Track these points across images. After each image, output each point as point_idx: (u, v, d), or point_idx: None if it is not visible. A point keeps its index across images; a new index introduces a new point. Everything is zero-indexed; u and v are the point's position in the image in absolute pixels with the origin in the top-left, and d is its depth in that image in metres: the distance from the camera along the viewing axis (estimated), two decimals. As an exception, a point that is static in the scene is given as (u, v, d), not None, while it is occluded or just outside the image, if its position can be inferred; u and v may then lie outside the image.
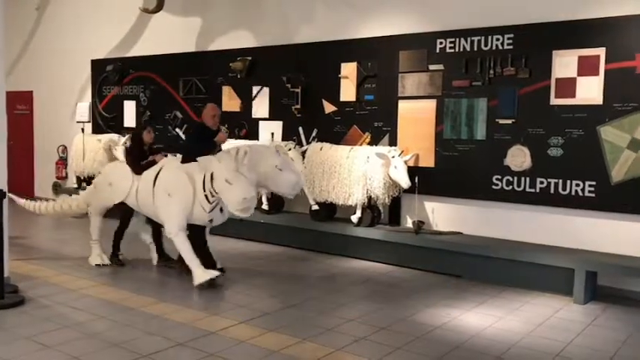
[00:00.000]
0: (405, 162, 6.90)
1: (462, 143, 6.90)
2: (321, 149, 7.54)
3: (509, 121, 6.53)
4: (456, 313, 5.38)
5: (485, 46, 6.70)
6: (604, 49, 5.95)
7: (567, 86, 6.20)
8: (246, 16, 8.86)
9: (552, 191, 6.32)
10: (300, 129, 8.26)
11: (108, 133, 10.39)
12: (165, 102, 9.78)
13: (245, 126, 8.85)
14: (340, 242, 7.37)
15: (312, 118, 8.12)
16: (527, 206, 6.51)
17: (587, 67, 6.06)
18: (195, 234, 6.16)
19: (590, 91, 6.05)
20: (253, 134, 8.75)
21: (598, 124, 6.02)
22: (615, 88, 5.91)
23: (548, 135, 6.32)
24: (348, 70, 7.76)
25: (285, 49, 8.35)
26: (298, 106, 8.20)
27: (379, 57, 7.50)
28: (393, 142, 7.35)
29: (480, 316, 5.30)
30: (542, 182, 6.38)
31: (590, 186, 6.09)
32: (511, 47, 6.52)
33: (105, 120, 10.80)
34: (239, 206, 5.73)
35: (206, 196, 5.96)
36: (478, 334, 4.87)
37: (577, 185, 6.18)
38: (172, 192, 6.09)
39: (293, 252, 6.09)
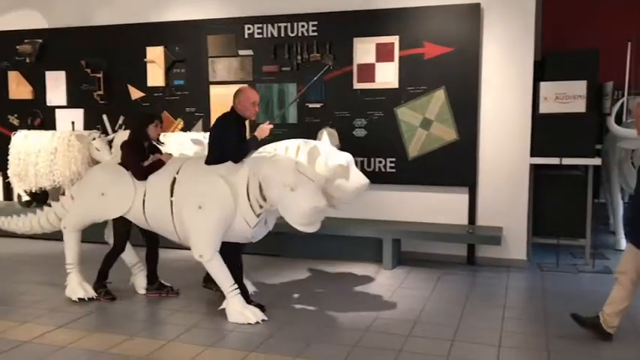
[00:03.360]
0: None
1: (276, 127, 7.04)
2: (130, 137, 7.18)
3: (318, 105, 6.87)
4: (283, 290, 5.57)
5: (292, 32, 6.93)
6: (398, 37, 6.54)
7: (368, 71, 6.70)
8: (33, -6, 8.03)
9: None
10: (105, 117, 7.76)
11: None
12: None
13: (39, 115, 8.07)
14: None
15: (118, 105, 7.69)
16: (338, 184, 6.92)
17: (384, 53, 6.61)
18: (230, 256, 4.85)
19: (388, 75, 6.62)
20: (49, 124, 8.02)
21: (395, 106, 6.62)
22: (408, 72, 6.54)
23: (353, 117, 6.78)
24: (155, 54, 7.48)
25: (83, 31, 7.75)
26: (101, 92, 7.70)
27: (187, 41, 7.35)
28: (207, 128, 7.28)
29: (307, 291, 5.56)
30: (349, 161, 6.83)
31: (391, 162, 6.69)
32: (316, 34, 6.84)
33: None
34: (304, 220, 4.54)
35: (251, 206, 4.75)
36: (305, 305, 5.12)
37: (380, 162, 6.74)
38: (205, 203, 4.72)
39: (90, 246, 5.75)
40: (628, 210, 4.36)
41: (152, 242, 5.44)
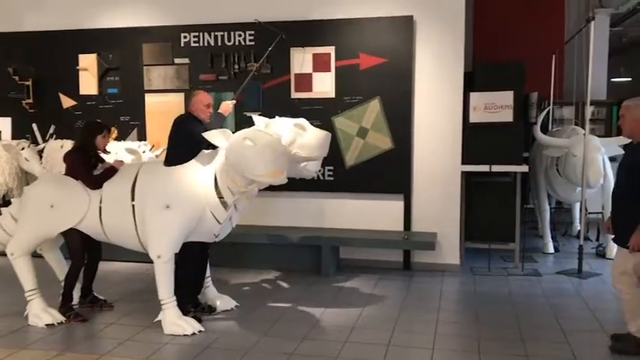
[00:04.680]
0: (157, 156, 6.79)
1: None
2: (61, 147, 6.98)
3: (257, 114, 6.84)
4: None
5: (229, 41, 6.93)
6: (334, 47, 6.64)
7: (305, 81, 6.77)
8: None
9: (298, 177, 6.83)
10: (34, 126, 7.51)
11: None
12: None
13: (-37, 124, 7.72)
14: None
15: (49, 114, 7.46)
16: (279, 192, 6.88)
17: (320, 63, 6.70)
18: (197, 258, 4.99)
19: (325, 85, 6.71)
20: (-26, 133, 7.70)
21: (332, 115, 6.71)
22: (344, 82, 6.65)
23: (291, 126, 6.81)
24: (88, 62, 7.31)
25: (11, 37, 7.48)
26: (30, 101, 7.45)
27: (121, 49, 7.22)
28: (142, 137, 7.18)
29: (246, 299, 5.53)
30: (289, 170, 6.87)
31: (329, 170, 6.76)
32: (253, 43, 6.86)
33: None
34: (269, 166, 4.44)
35: (221, 201, 4.73)
36: (244, 313, 5.12)
37: (319, 171, 6.78)
38: (173, 202, 4.66)
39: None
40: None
41: (95, 256, 5.27)
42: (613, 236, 4.45)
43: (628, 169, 4.25)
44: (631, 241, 4.04)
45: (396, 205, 6.68)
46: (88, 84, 7.34)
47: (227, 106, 5.41)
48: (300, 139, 5.02)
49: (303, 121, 5.21)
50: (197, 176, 4.77)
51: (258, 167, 4.44)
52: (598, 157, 6.55)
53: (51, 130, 7.46)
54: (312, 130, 5.12)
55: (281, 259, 6.66)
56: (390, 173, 6.61)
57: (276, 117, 5.34)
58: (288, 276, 6.41)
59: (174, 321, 4.68)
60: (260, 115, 6.31)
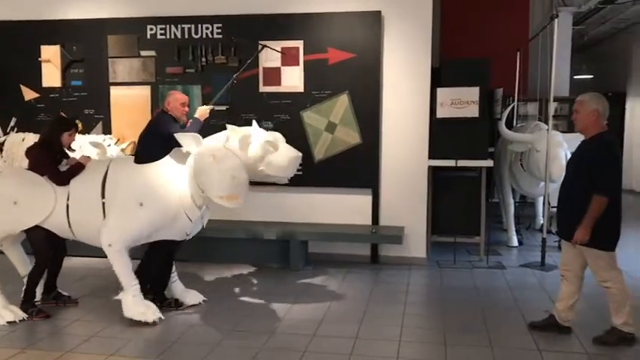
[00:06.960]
0: (123, 150, 6.70)
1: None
2: (23, 140, 6.82)
3: (224, 107, 6.82)
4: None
5: (196, 34, 6.85)
6: (302, 41, 6.63)
7: (273, 75, 6.74)
8: None
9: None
10: (-6, 118, 7.34)
11: None
12: None
13: None
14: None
15: (9, 106, 7.26)
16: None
17: (289, 57, 6.68)
18: (166, 256, 5.00)
19: (293, 79, 6.69)
20: None
21: (301, 110, 6.70)
22: (313, 77, 6.64)
23: (259, 120, 6.68)
24: (50, 54, 7.14)
25: (-31, 27, 7.27)
26: (-10, 93, 7.27)
27: (85, 40, 7.07)
28: (107, 131, 7.05)
29: (215, 294, 5.50)
30: (256, 164, 6.84)
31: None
32: (220, 36, 6.80)
33: None
34: (226, 189, 4.54)
35: (194, 201, 4.74)
36: (212, 308, 5.09)
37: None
38: (147, 200, 4.61)
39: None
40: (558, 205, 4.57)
41: (59, 252, 5.15)
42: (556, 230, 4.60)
43: (576, 166, 4.40)
44: (575, 234, 4.19)
45: (364, 200, 6.72)
46: (51, 76, 7.17)
47: (204, 111, 5.47)
48: (269, 156, 4.91)
49: (276, 137, 5.08)
50: (172, 175, 4.74)
51: (215, 188, 4.54)
52: (560, 153, 6.70)
53: (12, 123, 7.28)
54: (283, 149, 5.02)
55: (250, 254, 6.64)
56: (358, 168, 6.64)
57: (254, 123, 5.24)
58: (256, 270, 6.40)
59: (137, 304, 4.68)
60: (227, 108, 6.34)
